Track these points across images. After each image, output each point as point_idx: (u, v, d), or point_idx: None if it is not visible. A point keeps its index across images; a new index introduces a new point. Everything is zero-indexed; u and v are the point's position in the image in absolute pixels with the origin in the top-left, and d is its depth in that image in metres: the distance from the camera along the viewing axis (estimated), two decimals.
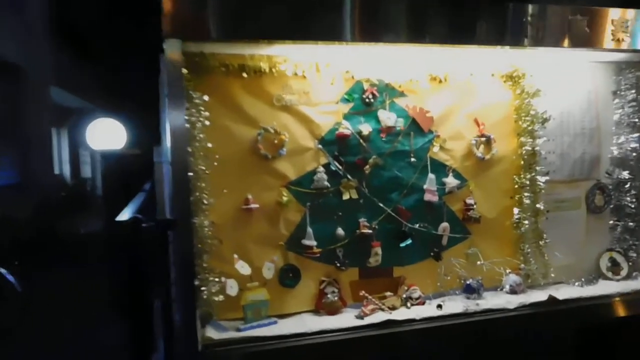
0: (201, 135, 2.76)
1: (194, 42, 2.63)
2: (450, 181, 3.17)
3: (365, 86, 3.04)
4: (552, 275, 3.29)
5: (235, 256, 2.80)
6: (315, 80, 2.98)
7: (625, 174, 3.44)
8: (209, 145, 2.78)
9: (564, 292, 3.17)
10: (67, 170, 13.83)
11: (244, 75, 2.84)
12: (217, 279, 2.78)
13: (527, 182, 3.24)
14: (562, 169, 3.40)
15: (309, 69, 2.94)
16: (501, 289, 3.21)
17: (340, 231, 3.01)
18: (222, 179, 2.84)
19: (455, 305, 3.00)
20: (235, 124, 2.87)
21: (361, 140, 3.02)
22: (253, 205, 2.86)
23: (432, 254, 3.17)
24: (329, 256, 3.02)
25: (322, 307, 2.96)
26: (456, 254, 3.20)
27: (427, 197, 3.12)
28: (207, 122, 2.78)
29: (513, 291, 3.18)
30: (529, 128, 3.23)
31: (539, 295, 3.11)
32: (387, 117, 3.04)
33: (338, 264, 3.02)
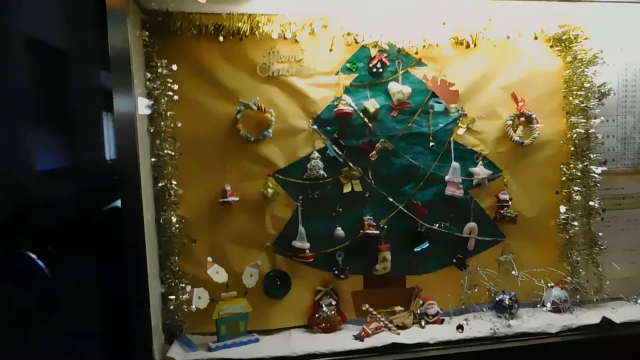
0: (169, 113, 2.28)
1: None
2: (480, 171, 2.55)
3: (373, 52, 2.45)
4: (608, 290, 2.62)
5: (209, 259, 2.32)
6: (310, 45, 2.41)
7: None
8: (179, 124, 2.29)
9: (623, 314, 2.51)
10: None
11: (220, 38, 2.31)
12: (187, 286, 2.31)
13: (578, 174, 2.57)
14: (624, 157, 2.70)
15: (302, 30, 2.37)
16: (542, 306, 2.57)
17: (339, 231, 2.46)
18: (195, 166, 2.35)
19: (481, 325, 2.41)
20: (211, 99, 2.36)
21: (366, 120, 2.44)
22: (231, 198, 2.35)
23: (454, 260, 2.57)
24: (326, 261, 2.49)
25: (315, 322, 2.43)
26: (485, 262, 2.59)
27: (450, 190, 2.52)
28: (175, 97, 2.29)
29: (556, 310, 2.55)
30: (582, 105, 2.54)
31: (589, 317, 2.47)
32: (399, 91, 2.44)
33: (336, 271, 2.47)
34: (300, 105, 2.42)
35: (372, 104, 2.41)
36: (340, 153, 2.43)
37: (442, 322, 2.47)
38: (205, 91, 2.35)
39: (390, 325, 2.39)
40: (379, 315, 2.42)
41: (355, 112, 2.43)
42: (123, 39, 1.94)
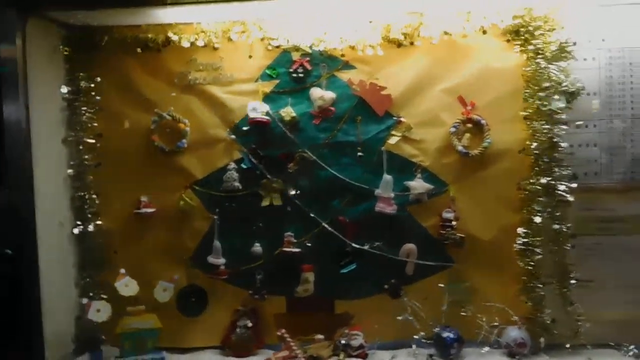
0: (89, 124, 2.33)
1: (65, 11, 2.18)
2: (417, 185, 2.24)
3: (295, 56, 2.28)
4: (592, 335, 2.12)
5: (122, 271, 2.29)
6: (229, 52, 2.32)
7: None
8: (99, 135, 2.34)
9: None
10: None
11: (139, 50, 2.31)
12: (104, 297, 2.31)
13: (541, 190, 2.14)
14: (611, 170, 2.20)
15: (219, 38, 2.30)
16: (492, 348, 2.16)
17: (257, 248, 2.30)
18: (116, 177, 2.36)
19: None
20: (132, 110, 2.37)
21: (284, 128, 2.27)
22: (146, 210, 2.31)
23: (386, 286, 2.26)
24: (246, 279, 2.33)
25: (228, 344, 2.28)
26: (430, 290, 2.25)
27: (379, 207, 2.24)
28: (95, 109, 2.34)
29: (511, 354, 2.12)
30: (545, 108, 2.12)
31: None
32: (320, 97, 2.24)
33: (251, 291, 2.30)
34: (218, 114, 2.33)
35: (287, 112, 2.24)
36: (255, 163, 2.29)
37: (366, 356, 2.18)
38: (127, 102, 2.36)
39: (301, 355, 2.15)
40: (292, 343, 2.19)
41: (273, 120, 2.27)
42: (11, 54, 2.00)
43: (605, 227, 2.21)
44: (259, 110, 2.22)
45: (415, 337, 2.16)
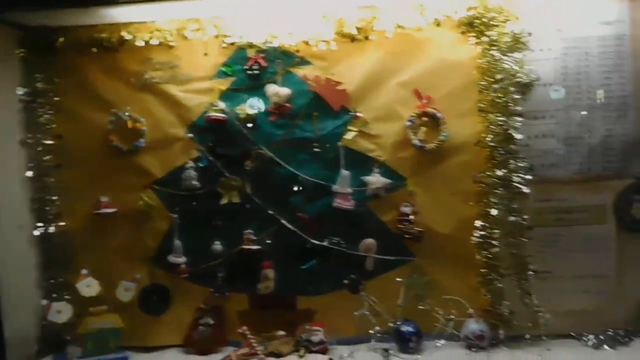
0: (48, 126, 2.33)
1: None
2: (375, 180, 2.23)
3: (250, 53, 2.27)
4: (554, 325, 2.10)
5: (84, 272, 2.29)
6: (185, 50, 2.31)
7: None
8: (58, 136, 2.34)
9: (558, 357, 2.01)
10: None
11: (94, 50, 2.30)
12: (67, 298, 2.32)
13: (497, 182, 2.13)
14: (569, 162, 2.19)
15: (174, 36, 2.28)
16: (451, 341, 2.16)
17: (217, 246, 2.30)
18: (75, 177, 2.36)
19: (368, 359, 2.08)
20: (91, 110, 2.36)
21: (240, 126, 2.26)
22: (105, 210, 2.31)
23: (345, 282, 2.26)
24: (208, 278, 2.33)
25: (191, 342, 2.29)
26: (390, 284, 2.24)
27: (337, 202, 2.23)
28: (53, 110, 2.33)
29: (470, 346, 2.12)
30: (500, 100, 2.11)
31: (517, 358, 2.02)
32: (275, 93, 2.23)
33: (212, 289, 2.31)
34: (176, 112, 2.32)
35: (242, 109, 2.24)
36: (213, 161, 2.28)
37: (326, 351, 2.18)
38: (85, 103, 2.35)
39: (260, 352, 2.16)
40: (252, 340, 2.20)
41: (228, 118, 2.26)
42: None
43: (563, 218, 2.21)
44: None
45: (371, 332, 2.16)
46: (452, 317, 2.12)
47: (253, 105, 2.23)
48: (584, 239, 2.21)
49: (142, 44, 2.26)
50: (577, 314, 2.19)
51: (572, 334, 2.19)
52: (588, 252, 2.20)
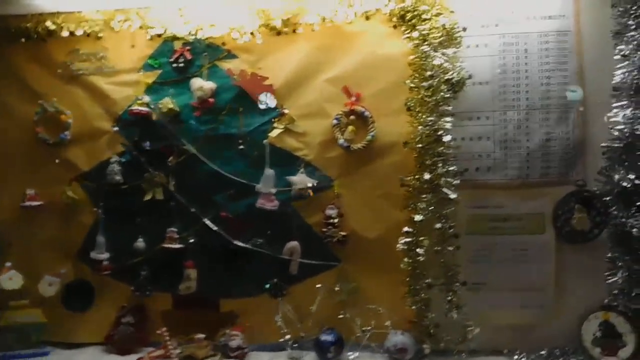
0: None
1: None
2: (299, 180, 2.13)
3: (176, 45, 2.20)
4: (476, 340, 1.98)
5: (8, 264, 2.26)
6: (113, 41, 2.25)
7: (632, 177, 1.91)
8: None
9: None
10: None
11: (23, 40, 2.27)
12: None
13: (424, 186, 2.01)
14: (505, 166, 2.05)
15: (100, 27, 2.23)
16: (383, 351, 2.05)
17: (140, 243, 2.24)
18: (1, 168, 2.32)
19: None
20: (18, 101, 2.32)
21: (163, 120, 2.19)
22: (31, 203, 2.28)
23: (267, 286, 2.17)
24: (132, 275, 2.27)
25: (111, 341, 2.24)
26: (315, 290, 2.14)
27: (260, 202, 2.15)
28: None
29: (392, 359, 2.01)
30: (428, 99, 1.99)
31: None
32: (200, 87, 2.15)
33: (133, 288, 2.25)
34: (102, 105, 2.27)
35: (164, 103, 2.16)
36: (136, 156, 2.22)
37: (243, 357, 2.10)
38: (12, 93, 2.32)
39: (175, 355, 2.09)
40: (169, 342, 2.13)
41: (153, 112, 2.20)
42: None
43: (498, 227, 2.07)
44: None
45: (286, 340, 2.07)
46: (369, 328, 2.00)
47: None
48: (520, 250, 2.06)
49: (66, 34, 2.22)
50: (511, 329, 2.05)
51: (503, 351, 2.05)
52: (524, 264, 2.06)
